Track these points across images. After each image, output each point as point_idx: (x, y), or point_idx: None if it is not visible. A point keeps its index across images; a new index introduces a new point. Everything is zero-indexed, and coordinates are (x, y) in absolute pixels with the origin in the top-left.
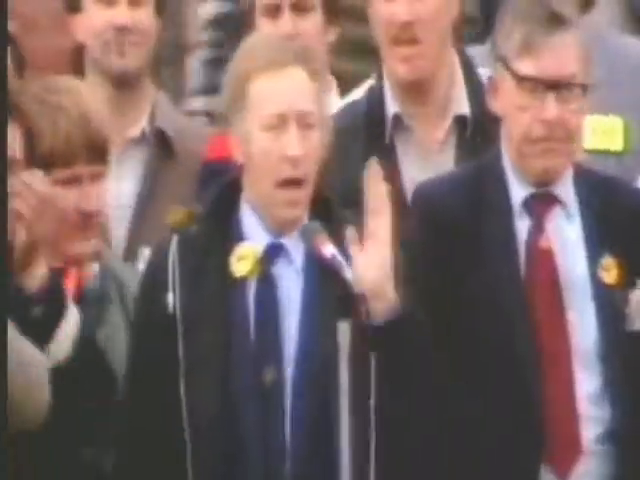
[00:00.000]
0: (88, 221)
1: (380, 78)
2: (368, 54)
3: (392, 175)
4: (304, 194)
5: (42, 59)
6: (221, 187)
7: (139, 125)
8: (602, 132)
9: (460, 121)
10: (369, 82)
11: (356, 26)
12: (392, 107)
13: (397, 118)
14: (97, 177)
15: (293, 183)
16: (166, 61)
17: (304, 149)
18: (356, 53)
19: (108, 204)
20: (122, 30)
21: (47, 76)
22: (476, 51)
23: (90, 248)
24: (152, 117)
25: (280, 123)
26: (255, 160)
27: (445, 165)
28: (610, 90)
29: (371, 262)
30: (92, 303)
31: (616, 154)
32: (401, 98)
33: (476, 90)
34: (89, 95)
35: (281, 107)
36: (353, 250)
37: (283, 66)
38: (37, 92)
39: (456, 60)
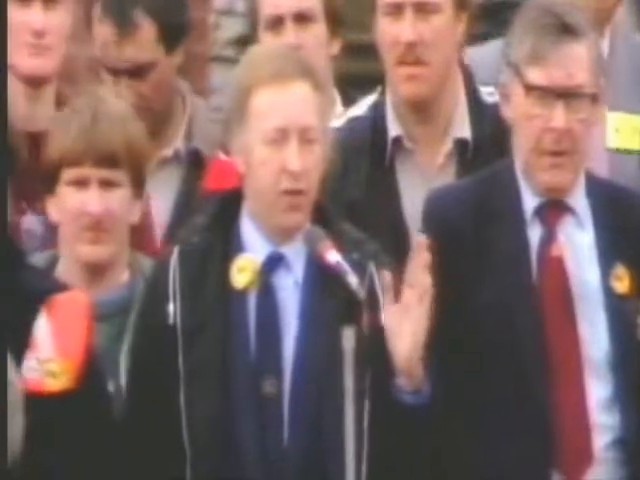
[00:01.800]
0: (97, 225)
1: (383, 95)
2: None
3: (391, 197)
4: (305, 200)
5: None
6: (222, 198)
7: (172, 145)
8: (625, 131)
9: (461, 144)
10: (372, 97)
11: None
12: (393, 129)
13: (397, 140)
14: (107, 183)
15: (293, 193)
16: None
17: (304, 164)
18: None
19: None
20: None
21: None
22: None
23: (105, 254)
24: (188, 135)
25: (281, 137)
26: (255, 171)
27: None
28: (634, 89)
29: (404, 331)
30: (115, 315)
31: (638, 153)
32: (403, 118)
33: (479, 112)
34: (117, 104)
35: (283, 121)
36: (387, 297)
37: (287, 79)
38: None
39: (460, 81)
